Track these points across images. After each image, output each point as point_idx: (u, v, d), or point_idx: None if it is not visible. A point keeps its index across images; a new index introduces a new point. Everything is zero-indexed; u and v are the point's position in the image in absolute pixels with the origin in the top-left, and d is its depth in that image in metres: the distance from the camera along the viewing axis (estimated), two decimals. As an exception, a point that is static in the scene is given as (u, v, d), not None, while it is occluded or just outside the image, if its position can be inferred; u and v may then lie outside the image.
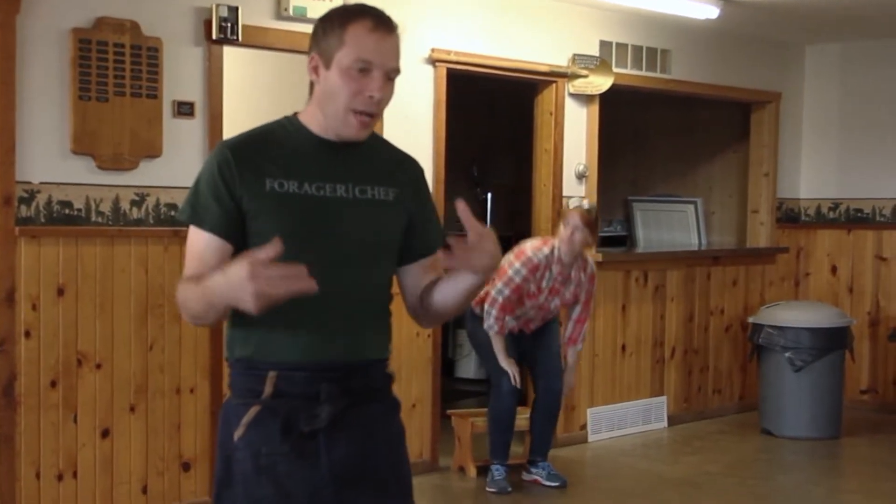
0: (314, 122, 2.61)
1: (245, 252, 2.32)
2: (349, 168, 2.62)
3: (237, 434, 2.55)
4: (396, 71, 2.57)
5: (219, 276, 2.31)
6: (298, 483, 2.54)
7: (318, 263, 2.47)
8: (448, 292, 2.65)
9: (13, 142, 5.00)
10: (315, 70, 2.58)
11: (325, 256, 2.54)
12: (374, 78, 2.53)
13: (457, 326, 9.54)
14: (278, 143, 2.60)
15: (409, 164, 2.77)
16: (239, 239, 2.54)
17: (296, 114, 2.66)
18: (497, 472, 6.34)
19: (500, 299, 6.11)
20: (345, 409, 2.55)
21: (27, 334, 5.08)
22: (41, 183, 5.11)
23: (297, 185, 2.54)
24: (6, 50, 4.96)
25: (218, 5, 5.53)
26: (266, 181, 2.53)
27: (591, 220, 6.24)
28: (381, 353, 2.69)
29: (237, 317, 2.53)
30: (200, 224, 2.53)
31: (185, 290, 2.48)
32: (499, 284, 6.10)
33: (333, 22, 2.56)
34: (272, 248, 2.24)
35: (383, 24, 2.57)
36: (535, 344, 6.41)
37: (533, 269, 6.12)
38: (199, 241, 2.54)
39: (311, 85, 2.62)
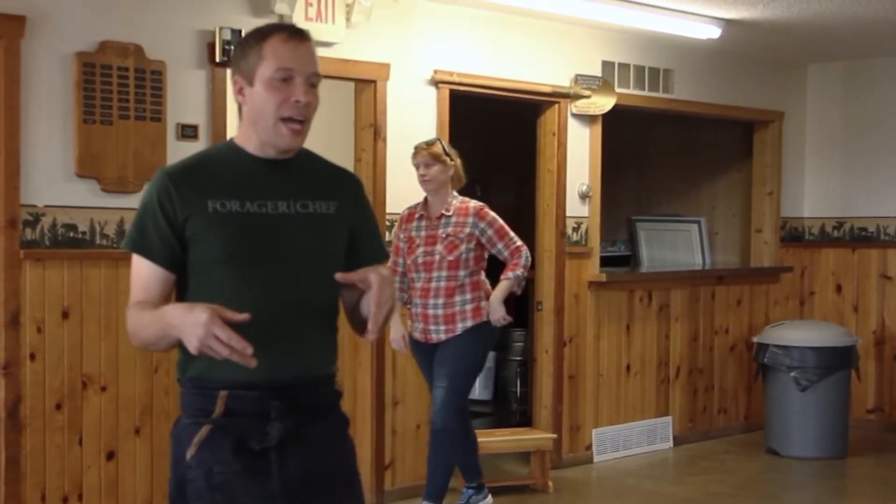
0: (249, 142, 2.70)
1: (217, 299, 2.48)
2: (289, 184, 2.70)
3: (189, 453, 2.61)
4: (317, 76, 2.67)
5: (180, 308, 2.45)
6: (251, 500, 2.60)
7: (265, 280, 2.61)
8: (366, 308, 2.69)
9: (18, 165, 5.02)
10: (240, 91, 2.68)
11: (271, 273, 2.63)
12: (296, 84, 2.63)
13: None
14: (217, 165, 2.69)
15: (347, 178, 2.86)
16: (181, 266, 2.64)
17: (233, 138, 2.75)
18: None
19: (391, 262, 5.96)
20: (295, 427, 2.61)
21: (32, 357, 5.09)
22: (46, 206, 5.12)
23: (238, 205, 2.63)
24: (11, 74, 4.98)
25: (221, 28, 5.56)
26: (208, 203, 2.61)
27: (434, 153, 5.82)
28: (329, 370, 2.76)
29: None
30: (143, 254, 2.64)
31: (136, 318, 2.60)
32: None
33: (250, 42, 2.68)
34: (240, 317, 2.40)
35: (297, 33, 2.67)
36: (436, 362, 5.85)
37: (400, 222, 5.98)
38: (144, 271, 2.64)
39: (240, 108, 2.72)
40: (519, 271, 5.88)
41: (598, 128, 7.51)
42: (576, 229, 7.43)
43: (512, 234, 5.93)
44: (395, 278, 5.81)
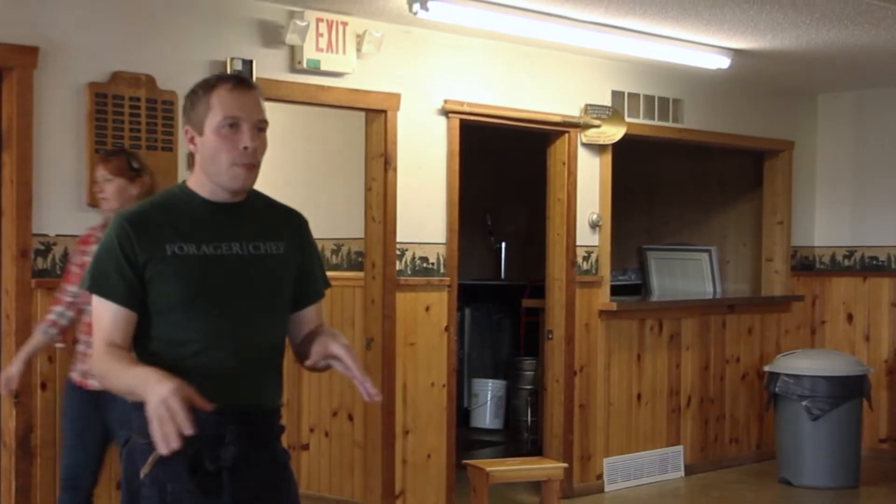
0: (202, 188, 2.83)
1: (179, 374, 2.59)
2: (241, 227, 2.85)
3: (143, 471, 2.73)
4: (263, 122, 2.82)
5: (150, 379, 2.57)
6: None
7: (222, 317, 2.77)
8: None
9: (30, 195, 5.05)
10: (192, 140, 2.82)
11: (227, 310, 2.78)
12: (243, 131, 2.76)
13: (472, 376, 9.53)
14: (173, 210, 2.83)
15: (293, 218, 3.00)
16: (142, 305, 2.75)
17: (185, 182, 2.88)
18: None
19: None
20: (247, 451, 2.74)
21: (43, 386, 5.09)
22: (57, 235, 5.14)
23: (195, 247, 2.78)
24: (24, 104, 5.02)
25: (232, 59, 5.58)
26: (166, 246, 2.76)
27: (115, 167, 4.81)
28: (277, 402, 2.93)
29: (146, 361, 2.73)
30: (105, 295, 2.76)
31: (106, 367, 2.72)
32: None
33: (198, 93, 2.81)
34: (202, 402, 2.54)
35: (242, 82, 2.82)
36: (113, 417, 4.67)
37: (77, 245, 4.97)
38: (106, 312, 2.76)
39: (191, 156, 2.85)
40: None
41: (608, 157, 7.52)
42: (586, 258, 7.44)
43: None
44: (59, 308, 4.79)
